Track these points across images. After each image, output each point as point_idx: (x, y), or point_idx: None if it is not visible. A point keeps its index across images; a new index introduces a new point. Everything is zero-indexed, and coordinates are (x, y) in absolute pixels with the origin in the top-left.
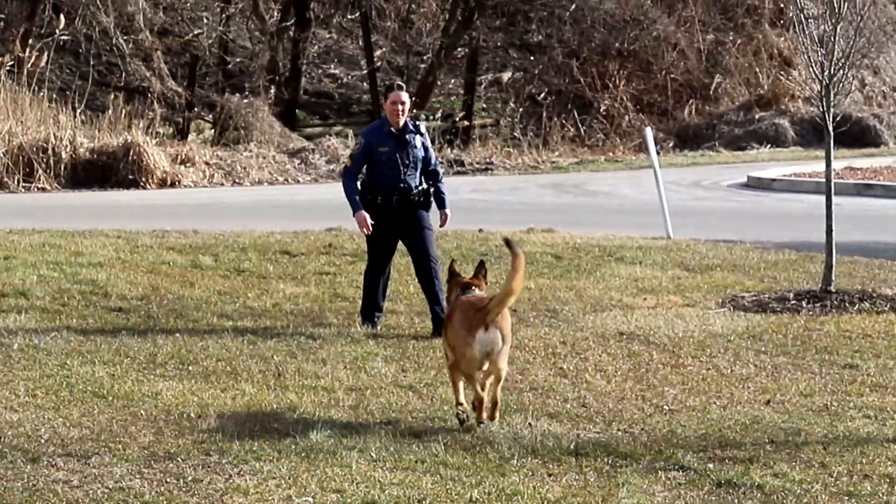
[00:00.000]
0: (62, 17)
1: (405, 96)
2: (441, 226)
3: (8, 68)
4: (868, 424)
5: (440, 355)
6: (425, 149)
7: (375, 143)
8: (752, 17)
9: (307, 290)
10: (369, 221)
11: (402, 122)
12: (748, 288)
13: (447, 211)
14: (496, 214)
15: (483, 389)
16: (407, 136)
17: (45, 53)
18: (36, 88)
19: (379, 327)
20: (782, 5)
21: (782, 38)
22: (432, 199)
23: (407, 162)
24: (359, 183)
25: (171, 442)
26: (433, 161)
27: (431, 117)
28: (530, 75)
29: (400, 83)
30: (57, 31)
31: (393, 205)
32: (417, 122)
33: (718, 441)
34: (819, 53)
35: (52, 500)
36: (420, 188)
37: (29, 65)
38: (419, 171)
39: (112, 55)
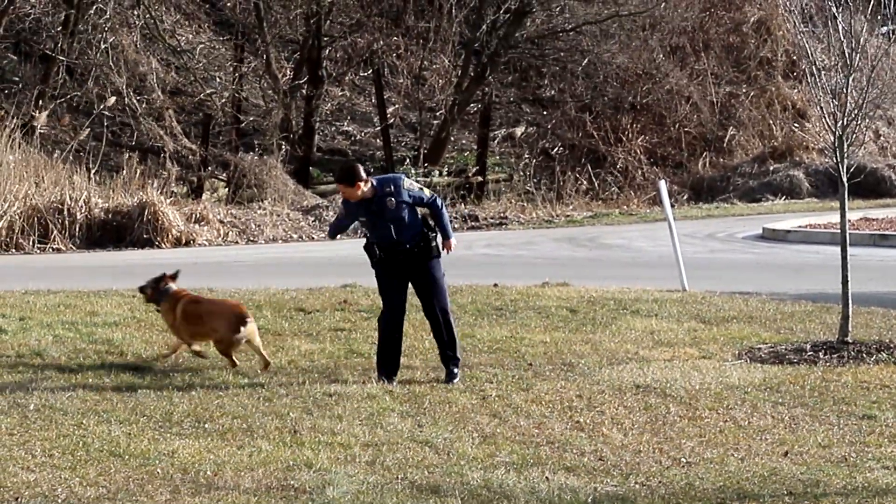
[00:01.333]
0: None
1: (351, 190)
2: (447, 251)
3: (40, 131)
4: (887, 475)
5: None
6: (410, 198)
7: (353, 213)
8: (765, 70)
9: (322, 347)
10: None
11: (360, 197)
12: (764, 339)
13: (451, 241)
14: (511, 269)
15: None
16: (376, 205)
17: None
18: (50, 150)
19: (395, 383)
20: (795, 57)
21: (795, 90)
22: (435, 243)
23: (388, 224)
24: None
25: (188, 500)
26: (425, 200)
27: (444, 173)
28: (543, 130)
29: (344, 173)
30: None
31: (397, 255)
32: (388, 180)
33: (736, 493)
34: (832, 105)
35: None
36: (416, 240)
37: (42, 125)
38: (410, 223)
39: (125, 115)
